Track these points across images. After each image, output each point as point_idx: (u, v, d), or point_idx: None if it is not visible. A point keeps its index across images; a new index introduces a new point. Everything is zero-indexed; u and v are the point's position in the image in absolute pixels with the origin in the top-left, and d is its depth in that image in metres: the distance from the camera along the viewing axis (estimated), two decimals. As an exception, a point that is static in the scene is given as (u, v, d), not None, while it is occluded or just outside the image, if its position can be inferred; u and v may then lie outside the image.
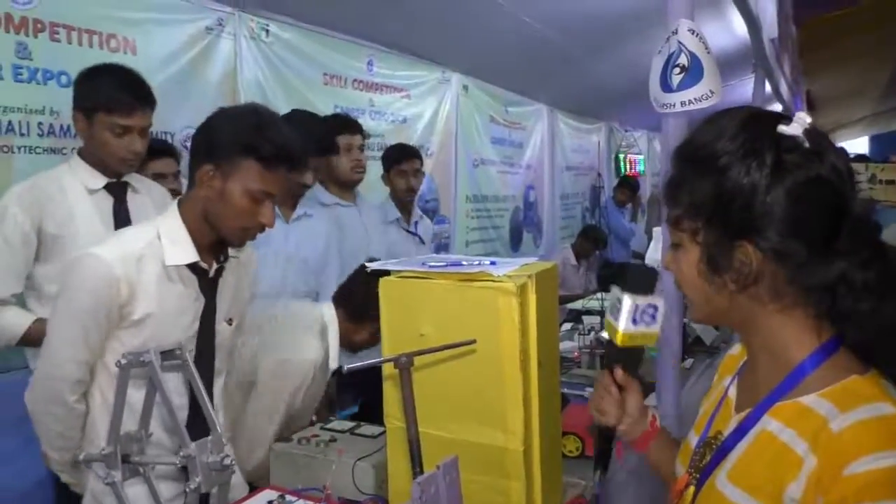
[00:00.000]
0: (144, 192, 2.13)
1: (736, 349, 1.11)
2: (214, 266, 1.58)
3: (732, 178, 0.85)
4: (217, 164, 1.48)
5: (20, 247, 1.91)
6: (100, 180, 2.01)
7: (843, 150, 0.87)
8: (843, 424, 0.79)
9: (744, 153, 0.85)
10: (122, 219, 2.03)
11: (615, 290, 1.11)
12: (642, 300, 1.08)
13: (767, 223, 0.84)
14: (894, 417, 0.78)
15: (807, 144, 0.85)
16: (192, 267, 1.53)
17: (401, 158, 3.36)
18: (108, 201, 2.03)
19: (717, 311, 0.95)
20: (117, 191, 2.05)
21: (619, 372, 1.15)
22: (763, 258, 0.86)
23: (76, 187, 1.98)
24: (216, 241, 1.57)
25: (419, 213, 3.56)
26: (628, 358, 1.15)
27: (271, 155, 1.47)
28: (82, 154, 2.04)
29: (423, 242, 3.47)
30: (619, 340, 1.09)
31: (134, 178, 2.10)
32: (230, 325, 1.67)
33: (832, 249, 0.84)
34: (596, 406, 1.18)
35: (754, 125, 0.87)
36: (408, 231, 3.40)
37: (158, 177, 2.64)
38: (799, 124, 0.85)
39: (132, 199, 2.08)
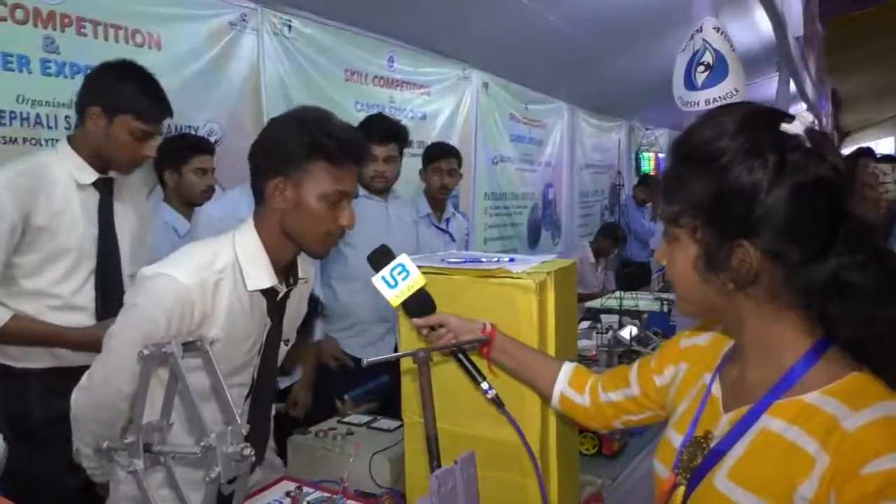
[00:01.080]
0: (126, 191, 2.10)
1: (703, 339, 1.11)
2: (284, 289, 1.53)
3: (734, 178, 0.85)
4: (285, 173, 1.41)
5: (6, 236, 1.83)
6: (90, 175, 1.96)
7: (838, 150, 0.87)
8: (858, 423, 0.79)
9: (745, 153, 0.85)
10: (105, 217, 2.00)
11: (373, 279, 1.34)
12: (385, 270, 1.33)
13: (768, 224, 0.84)
14: None
15: (808, 144, 0.85)
16: (265, 290, 1.47)
17: (438, 156, 3.41)
18: (94, 198, 1.98)
19: (710, 309, 0.95)
20: (104, 188, 2.01)
21: (415, 321, 1.35)
22: (762, 258, 0.86)
23: (66, 180, 1.92)
24: (292, 262, 1.53)
25: (451, 211, 3.59)
26: (415, 305, 1.35)
27: (339, 152, 1.41)
28: (74, 144, 1.97)
29: (453, 240, 3.49)
30: (395, 304, 1.34)
31: (118, 176, 2.06)
32: (286, 345, 1.66)
33: (830, 251, 0.84)
34: (433, 343, 1.34)
35: (755, 123, 0.87)
36: (438, 228, 3.42)
37: (200, 172, 2.75)
38: (801, 123, 0.85)
39: (116, 198, 2.05)
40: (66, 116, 2.54)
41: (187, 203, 2.79)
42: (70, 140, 1.99)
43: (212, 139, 3.17)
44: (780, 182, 0.83)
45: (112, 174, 2.03)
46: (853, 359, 0.87)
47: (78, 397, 1.46)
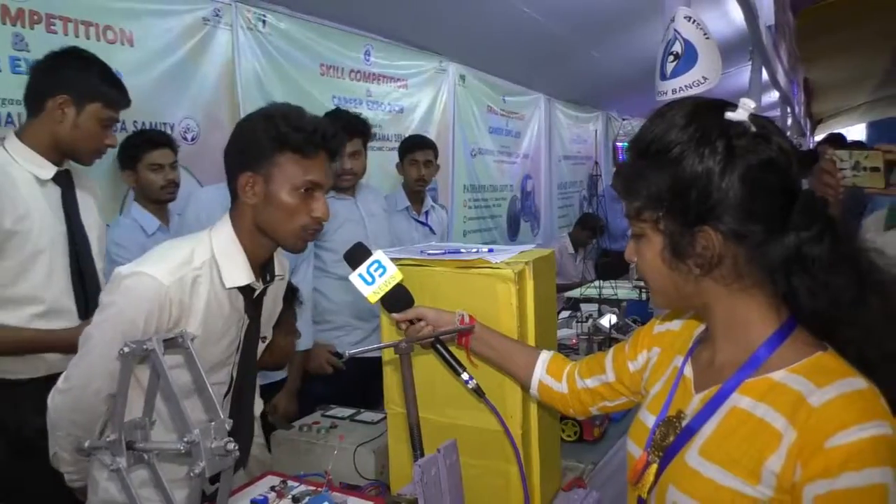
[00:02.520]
0: (82, 182, 2.04)
1: (676, 325, 1.15)
2: (262, 286, 1.53)
3: (687, 167, 0.89)
4: (255, 168, 1.42)
5: None
6: (48, 170, 1.88)
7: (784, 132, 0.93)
8: (823, 399, 0.83)
9: (696, 142, 0.89)
10: (71, 210, 1.94)
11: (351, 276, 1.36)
12: (362, 267, 1.34)
13: (725, 207, 0.88)
14: (869, 391, 0.84)
15: (753, 129, 0.89)
16: (242, 287, 1.47)
17: (414, 148, 3.41)
18: (56, 192, 1.91)
19: (682, 296, 0.98)
20: (64, 181, 1.94)
21: (394, 316, 1.37)
22: (724, 241, 0.89)
23: (25, 178, 1.84)
24: (269, 258, 1.53)
25: (431, 203, 3.59)
26: (393, 300, 1.36)
27: (306, 142, 1.41)
28: (23, 138, 1.87)
29: (433, 232, 3.49)
30: (373, 301, 1.35)
31: (71, 166, 1.99)
32: (263, 342, 1.65)
33: (786, 227, 0.88)
34: (413, 337, 1.34)
35: (702, 115, 0.91)
36: (417, 220, 3.43)
37: (157, 167, 2.66)
38: (744, 110, 0.90)
39: (77, 190, 1.99)
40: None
41: (154, 201, 2.69)
42: (19, 136, 1.89)
43: (189, 136, 3.14)
44: (731, 166, 0.87)
45: (67, 166, 1.96)
46: (818, 338, 0.92)
47: (55, 400, 1.44)
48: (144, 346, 1.19)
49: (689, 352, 1.07)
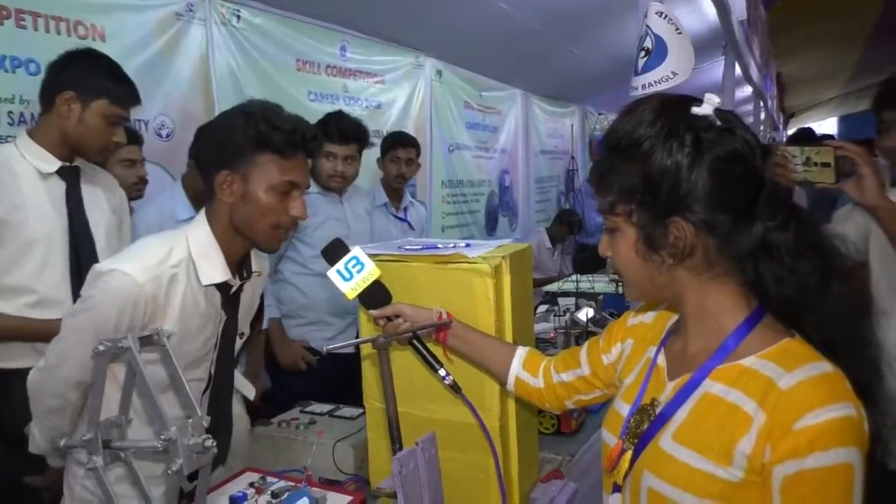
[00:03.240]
0: (94, 179, 2.07)
1: (649, 317, 1.18)
2: (238, 282, 1.53)
3: (657, 161, 0.92)
4: (232, 167, 1.42)
5: None
6: (53, 164, 1.93)
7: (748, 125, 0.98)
8: (791, 382, 0.86)
9: (664, 136, 0.92)
10: (74, 206, 1.97)
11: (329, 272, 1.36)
12: (340, 263, 1.34)
13: (695, 198, 0.91)
14: (834, 374, 0.88)
15: (719, 123, 0.93)
16: (219, 284, 1.47)
17: (396, 145, 3.41)
18: (60, 186, 1.95)
19: (656, 287, 1.00)
20: (70, 175, 1.98)
21: (372, 312, 1.37)
22: (695, 231, 0.93)
23: (28, 171, 1.90)
24: (245, 255, 1.53)
25: (410, 199, 3.59)
26: (371, 297, 1.36)
27: (285, 142, 1.41)
28: (34, 135, 1.95)
29: (412, 228, 3.50)
30: (350, 297, 1.35)
31: (83, 164, 2.04)
32: (241, 338, 1.66)
33: (753, 217, 0.92)
34: (393, 333, 1.35)
35: (669, 110, 0.95)
36: (396, 217, 3.42)
37: (127, 163, 2.65)
38: (709, 104, 0.93)
39: (84, 185, 2.02)
40: (10, 112, 2.48)
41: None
42: (30, 133, 1.97)
43: (163, 133, 3.11)
44: (699, 158, 0.91)
45: (77, 162, 2.00)
46: (785, 325, 0.95)
47: (34, 376, 1.46)
48: (120, 344, 1.18)
49: (662, 342, 1.10)
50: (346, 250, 1.36)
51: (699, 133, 0.92)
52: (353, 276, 1.35)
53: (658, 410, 1.00)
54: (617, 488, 1.05)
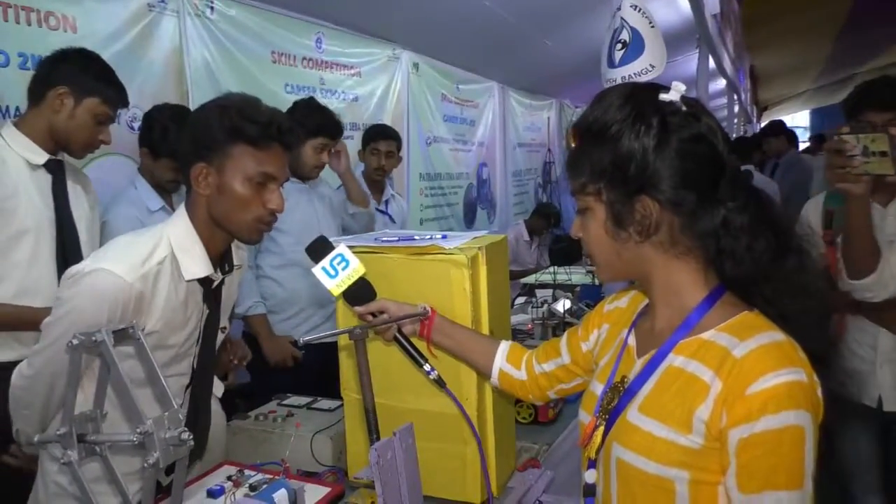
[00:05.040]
0: (74, 175, 2.09)
1: (623, 302, 1.23)
2: (220, 276, 1.53)
3: (626, 143, 0.97)
4: (208, 159, 1.41)
5: None
6: (41, 156, 1.95)
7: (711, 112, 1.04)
8: (745, 351, 0.92)
9: (633, 120, 0.97)
10: (61, 198, 1.99)
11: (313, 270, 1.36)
12: (325, 261, 1.34)
13: (660, 177, 0.97)
14: (786, 342, 0.93)
15: (684, 108, 0.98)
16: (201, 278, 1.47)
17: (377, 138, 3.41)
18: (47, 178, 1.97)
19: (624, 264, 1.05)
20: (55, 168, 2.00)
21: (357, 309, 1.38)
22: (660, 209, 0.98)
23: (16, 161, 1.92)
24: (226, 249, 1.53)
25: (391, 193, 3.58)
26: (356, 294, 1.37)
27: (260, 133, 1.40)
28: (21, 126, 1.96)
29: (393, 221, 3.49)
30: (336, 294, 1.36)
31: (65, 158, 2.06)
32: (223, 332, 1.65)
33: (716, 198, 0.98)
34: (371, 322, 1.37)
35: (638, 96, 1.00)
36: (377, 210, 3.42)
37: None
38: (676, 91, 0.99)
39: (69, 181, 2.04)
40: (-21, 104, 2.44)
41: None
42: (16, 124, 1.98)
43: (135, 126, 3.07)
44: (666, 140, 0.96)
45: (61, 156, 2.02)
46: (746, 301, 1.01)
47: (18, 381, 1.43)
48: (94, 338, 1.17)
49: (633, 323, 1.15)
50: (330, 248, 1.36)
51: (666, 117, 0.97)
52: (338, 273, 1.35)
53: (626, 386, 1.05)
54: (592, 464, 1.10)
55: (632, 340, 1.12)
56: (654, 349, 1.04)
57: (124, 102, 2.07)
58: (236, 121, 1.40)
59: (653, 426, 0.97)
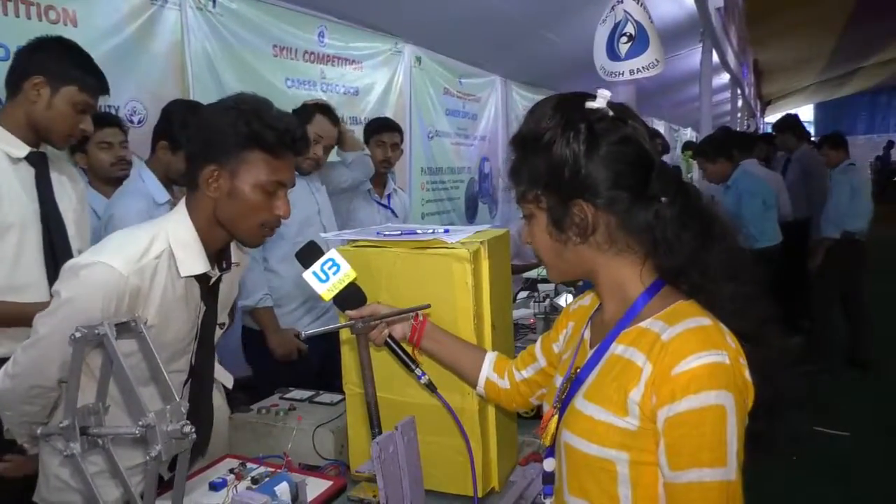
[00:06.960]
0: (59, 167, 2.07)
1: (587, 300, 1.28)
2: (217, 273, 1.53)
3: (557, 150, 1.02)
4: (220, 162, 1.40)
5: None
6: (22, 149, 1.92)
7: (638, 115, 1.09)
8: (672, 335, 0.97)
9: (562, 128, 1.02)
10: (45, 191, 1.96)
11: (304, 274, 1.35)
12: (316, 265, 1.34)
13: (593, 180, 1.02)
14: (712, 327, 0.98)
15: (611, 114, 1.03)
16: (198, 275, 1.47)
17: (381, 130, 3.42)
18: (29, 172, 1.94)
19: (570, 266, 1.11)
20: (38, 161, 1.96)
21: (348, 313, 1.37)
22: (596, 211, 1.03)
23: None
24: (224, 248, 1.52)
25: (393, 187, 3.58)
26: (347, 298, 1.36)
27: (276, 141, 1.40)
28: (1, 120, 1.93)
29: (395, 215, 3.48)
30: (327, 299, 1.35)
31: (49, 151, 2.02)
32: (221, 328, 1.65)
33: (647, 195, 1.03)
34: (376, 339, 1.38)
35: (565, 106, 1.05)
36: (379, 203, 3.41)
37: (106, 145, 2.67)
38: (602, 98, 1.04)
39: (51, 172, 2.01)
40: (-22, 97, 2.43)
41: (107, 181, 2.71)
42: None
43: (135, 119, 3.08)
44: (594, 145, 1.01)
45: (43, 148, 1.99)
46: (684, 291, 1.06)
47: (4, 383, 1.42)
48: (96, 331, 1.17)
49: (590, 318, 1.20)
50: (321, 252, 1.36)
51: (593, 123, 1.02)
52: (329, 277, 1.35)
53: (576, 375, 1.11)
54: (550, 452, 1.16)
55: (587, 334, 1.17)
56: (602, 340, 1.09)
57: (104, 89, 2.01)
58: (256, 127, 1.38)
59: (594, 410, 1.02)
